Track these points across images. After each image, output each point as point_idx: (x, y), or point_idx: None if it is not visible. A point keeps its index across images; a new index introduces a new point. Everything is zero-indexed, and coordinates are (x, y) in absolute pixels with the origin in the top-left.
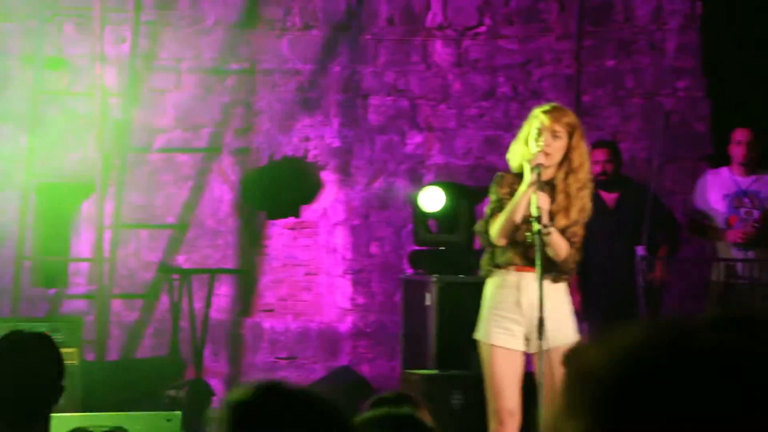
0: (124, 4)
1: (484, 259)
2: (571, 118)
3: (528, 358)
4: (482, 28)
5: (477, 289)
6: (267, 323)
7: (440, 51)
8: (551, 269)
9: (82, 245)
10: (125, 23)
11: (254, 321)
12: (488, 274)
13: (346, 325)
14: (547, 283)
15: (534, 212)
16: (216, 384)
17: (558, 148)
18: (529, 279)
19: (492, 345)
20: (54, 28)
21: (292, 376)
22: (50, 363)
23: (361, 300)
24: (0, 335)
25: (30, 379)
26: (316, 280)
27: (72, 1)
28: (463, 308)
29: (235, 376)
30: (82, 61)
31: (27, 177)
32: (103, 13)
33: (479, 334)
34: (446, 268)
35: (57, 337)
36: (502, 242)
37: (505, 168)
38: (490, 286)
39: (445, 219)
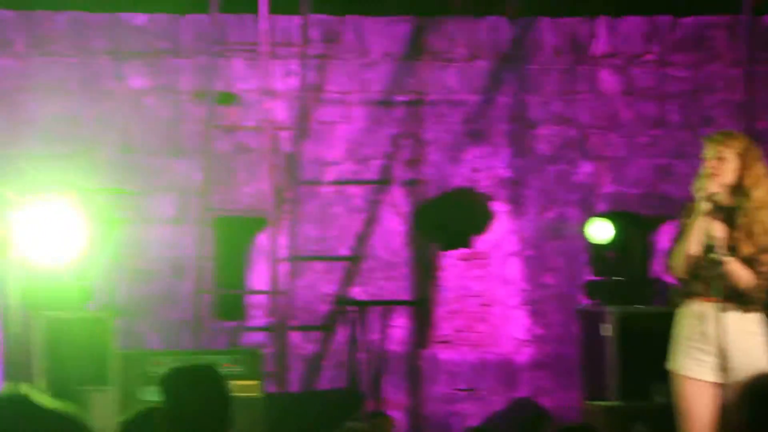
0: (292, 38)
1: (674, 290)
2: (739, 140)
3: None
4: (649, 56)
5: (655, 319)
6: (443, 355)
7: (608, 79)
8: (736, 299)
9: (259, 278)
10: (293, 57)
11: (431, 352)
12: (678, 304)
13: (523, 356)
14: (736, 314)
15: (709, 242)
16: (397, 416)
17: (726, 170)
18: (713, 309)
19: (683, 376)
20: (224, 64)
21: (471, 407)
22: (217, 395)
23: (538, 331)
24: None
25: (198, 411)
26: (491, 311)
27: (241, 36)
28: (642, 339)
29: (414, 408)
30: (252, 95)
31: (203, 211)
32: (271, 48)
33: (671, 365)
34: (623, 298)
35: (238, 370)
36: (681, 273)
37: (681, 196)
38: (680, 317)
39: (619, 249)
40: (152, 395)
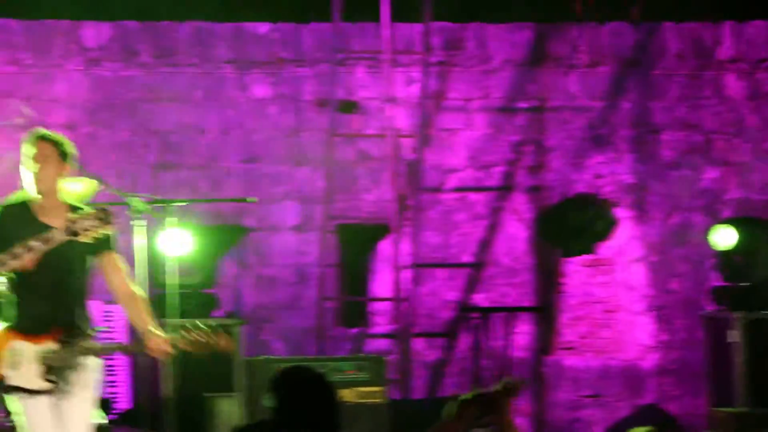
0: (414, 45)
1: None
2: None
3: None
4: None
5: None
6: (568, 361)
7: (733, 84)
8: None
9: (381, 285)
10: (414, 65)
11: (555, 359)
12: None
13: (649, 362)
14: None
15: None
16: (522, 422)
17: None
18: None
19: None
20: (346, 72)
21: (596, 414)
22: (325, 400)
23: (663, 337)
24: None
25: (304, 413)
26: (616, 317)
27: (363, 45)
28: None
29: (538, 414)
30: (374, 103)
31: (325, 218)
32: (393, 56)
33: None
34: (749, 304)
35: (362, 376)
36: None
37: None
38: None
39: (745, 254)
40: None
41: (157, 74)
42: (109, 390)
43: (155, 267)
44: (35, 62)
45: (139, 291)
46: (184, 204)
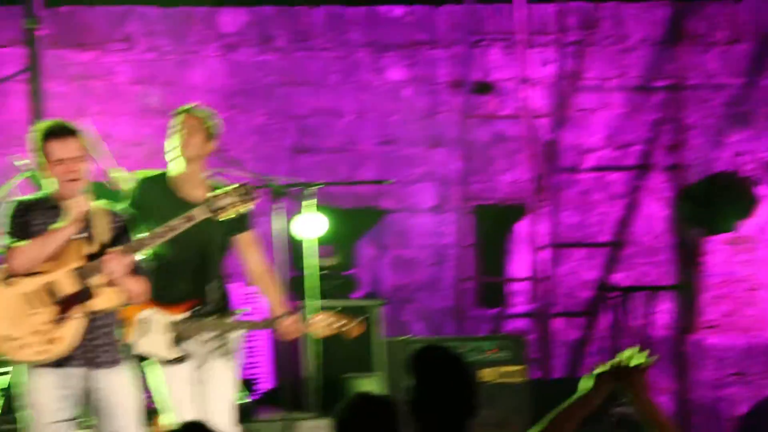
0: (548, 26)
1: None
2: None
3: None
4: None
5: None
6: (710, 339)
7: None
8: None
9: (519, 265)
10: (549, 45)
11: (697, 337)
12: None
13: None
14: None
15: None
16: (664, 401)
17: None
18: None
19: None
20: (480, 53)
21: (740, 393)
22: (461, 380)
23: None
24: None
25: (442, 392)
26: (760, 295)
27: (497, 26)
28: None
29: (681, 393)
30: (509, 84)
31: (462, 200)
32: (528, 36)
33: None
34: None
35: (502, 356)
36: None
37: None
38: None
39: None
40: None
41: (293, 59)
42: (252, 371)
43: (294, 250)
44: (173, 48)
45: (274, 272)
46: (321, 187)
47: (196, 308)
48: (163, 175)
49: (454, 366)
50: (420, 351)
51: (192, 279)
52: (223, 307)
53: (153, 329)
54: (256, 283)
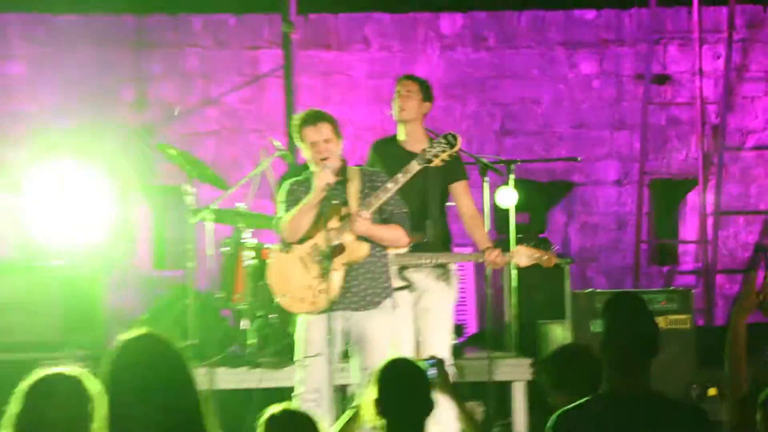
0: (720, 25)
1: None
2: None
3: None
4: None
5: None
6: None
7: None
8: None
9: (689, 229)
10: (720, 42)
11: None
12: None
13: None
14: None
15: None
16: None
17: None
18: None
19: None
20: (660, 49)
21: None
22: (647, 324)
23: None
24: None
25: (630, 335)
26: None
27: (675, 26)
28: None
29: None
30: (684, 76)
31: (641, 174)
32: (701, 35)
33: None
34: None
35: (672, 306)
36: None
37: None
38: None
39: None
40: (597, 327)
41: (501, 56)
42: (461, 317)
43: (498, 215)
44: (402, 48)
45: (481, 216)
46: (522, 163)
47: (417, 243)
48: (392, 138)
49: (641, 310)
50: (613, 297)
51: (414, 219)
52: (441, 242)
53: None
54: (466, 223)
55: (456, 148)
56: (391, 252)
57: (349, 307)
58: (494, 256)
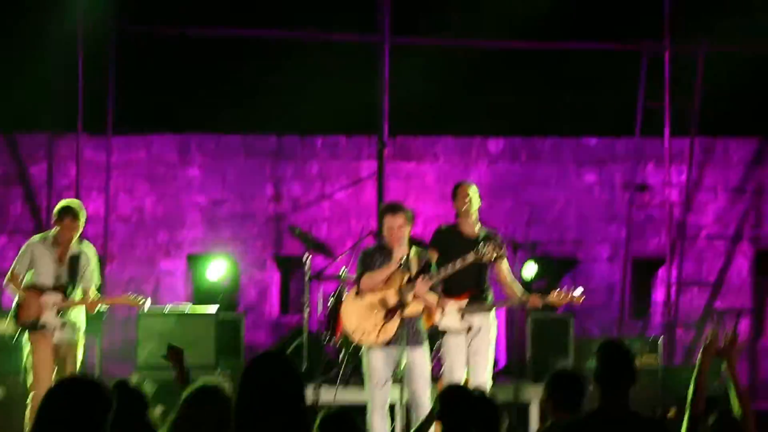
0: (684, 151)
1: None
2: None
3: None
4: None
5: None
6: None
7: None
8: None
9: (658, 294)
10: (684, 163)
11: None
12: None
13: None
14: None
15: None
16: None
17: None
18: None
19: None
20: (642, 167)
21: None
22: (632, 361)
23: None
24: None
25: (619, 369)
26: None
27: (653, 151)
28: None
29: None
30: (657, 186)
31: (626, 255)
32: (670, 157)
33: None
34: None
35: (644, 349)
36: None
37: None
38: None
39: None
40: (591, 364)
41: (530, 169)
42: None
43: (523, 284)
44: (461, 162)
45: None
46: (541, 245)
47: (473, 298)
48: (453, 226)
49: (625, 351)
50: (604, 342)
51: (472, 282)
52: (487, 297)
53: (448, 311)
54: (505, 288)
55: (502, 251)
56: (458, 304)
57: (403, 342)
58: (533, 300)
